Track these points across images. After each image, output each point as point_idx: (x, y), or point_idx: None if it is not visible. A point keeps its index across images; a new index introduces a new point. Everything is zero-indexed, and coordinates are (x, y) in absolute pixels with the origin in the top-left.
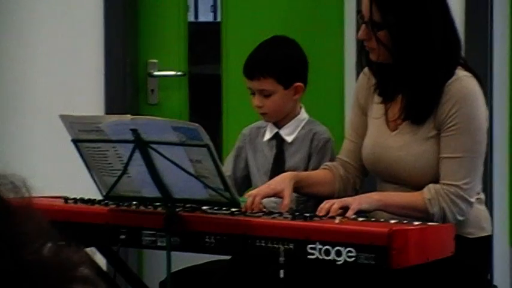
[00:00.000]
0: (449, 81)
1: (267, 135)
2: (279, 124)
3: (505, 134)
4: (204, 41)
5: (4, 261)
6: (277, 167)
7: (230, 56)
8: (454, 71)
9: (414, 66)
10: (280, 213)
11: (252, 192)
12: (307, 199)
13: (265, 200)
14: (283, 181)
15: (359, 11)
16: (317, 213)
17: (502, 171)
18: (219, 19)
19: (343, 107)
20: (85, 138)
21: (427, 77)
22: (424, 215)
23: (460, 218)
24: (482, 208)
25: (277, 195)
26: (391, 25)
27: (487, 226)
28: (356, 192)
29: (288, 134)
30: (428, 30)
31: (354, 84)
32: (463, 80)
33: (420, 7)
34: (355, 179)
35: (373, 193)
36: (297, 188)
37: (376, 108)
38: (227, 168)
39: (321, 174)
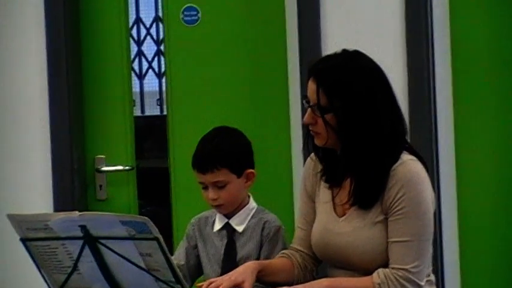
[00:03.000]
0: (395, 165)
1: (217, 226)
2: (228, 214)
3: (453, 216)
4: (151, 134)
5: None
6: (229, 257)
7: (177, 148)
8: (400, 155)
9: (361, 150)
10: None
11: (212, 283)
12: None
13: None
14: (244, 272)
15: (305, 96)
16: None
17: (452, 255)
18: (165, 112)
19: (291, 194)
20: (33, 237)
21: (373, 162)
22: None
23: None
24: None
25: (238, 286)
26: (337, 109)
27: None
28: (313, 278)
29: (238, 224)
30: (375, 114)
31: (302, 169)
32: (408, 164)
33: (367, 92)
34: (311, 265)
35: (322, 279)
36: (259, 276)
37: (324, 194)
38: (180, 257)
39: (280, 263)
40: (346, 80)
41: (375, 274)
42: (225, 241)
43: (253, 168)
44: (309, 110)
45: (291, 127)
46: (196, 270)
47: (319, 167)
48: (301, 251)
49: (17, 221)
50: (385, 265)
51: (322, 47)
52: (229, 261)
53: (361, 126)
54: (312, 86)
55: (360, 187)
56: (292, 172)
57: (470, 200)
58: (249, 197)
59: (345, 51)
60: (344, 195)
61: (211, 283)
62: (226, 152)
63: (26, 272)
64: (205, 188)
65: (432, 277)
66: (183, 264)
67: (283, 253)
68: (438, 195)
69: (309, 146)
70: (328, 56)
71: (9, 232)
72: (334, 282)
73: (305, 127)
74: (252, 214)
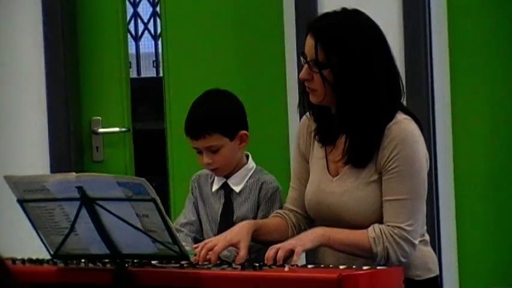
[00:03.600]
0: (390, 124)
1: (215, 186)
2: (226, 174)
3: (449, 175)
4: (147, 96)
5: None
6: (226, 217)
7: (173, 110)
8: (395, 115)
9: (356, 107)
10: (230, 264)
11: (207, 244)
12: (260, 248)
13: None
14: (240, 232)
15: (302, 52)
16: (265, 261)
17: (448, 211)
18: (161, 74)
19: (288, 154)
20: (30, 198)
21: (368, 120)
22: (367, 253)
23: (402, 259)
24: (427, 249)
25: (234, 246)
26: (334, 64)
27: (433, 267)
28: None
29: (236, 184)
30: (371, 71)
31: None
32: (403, 123)
33: (363, 49)
34: (305, 225)
35: (317, 228)
36: (254, 236)
37: (317, 152)
38: (190, 213)
39: (275, 222)
40: (344, 37)
41: (370, 228)
42: (222, 201)
43: (246, 129)
44: (305, 66)
45: (287, 87)
46: None
47: (314, 125)
48: (295, 211)
49: (14, 182)
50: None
51: (318, 6)
52: (226, 221)
53: (358, 83)
54: (310, 41)
55: (354, 145)
56: (288, 132)
57: (466, 160)
58: (247, 157)
59: (344, 9)
60: (338, 153)
61: (206, 244)
62: (217, 117)
63: (24, 233)
64: (200, 152)
65: (427, 237)
66: (195, 219)
67: (277, 213)
68: (435, 155)
69: (304, 104)
70: (328, 14)
71: (7, 193)
72: (329, 231)
73: (301, 85)
74: (250, 174)
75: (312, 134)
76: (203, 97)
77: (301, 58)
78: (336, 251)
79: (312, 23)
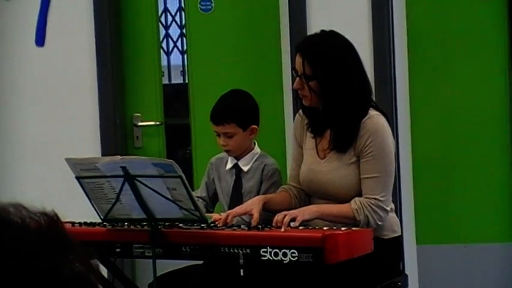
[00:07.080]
0: (364, 119)
1: (229, 165)
2: (237, 156)
3: (408, 157)
4: (176, 98)
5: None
6: (236, 190)
7: (196, 108)
8: (368, 111)
9: (338, 107)
10: (239, 226)
11: (228, 212)
12: (266, 218)
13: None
14: (253, 203)
15: (293, 68)
16: (273, 224)
17: (407, 187)
18: (187, 81)
19: (284, 142)
20: (86, 175)
21: (347, 116)
22: (352, 221)
23: (379, 223)
24: (393, 215)
25: (248, 213)
26: (319, 76)
27: (397, 229)
28: (306, 205)
29: (245, 165)
30: (347, 79)
31: (292, 124)
32: (375, 118)
33: (341, 63)
34: (304, 197)
35: (311, 205)
36: (265, 207)
37: (309, 142)
38: (202, 190)
39: (281, 196)
40: (325, 53)
41: (352, 201)
42: (233, 177)
43: (257, 124)
44: (297, 78)
45: (283, 93)
46: (215, 198)
47: (306, 121)
48: (296, 187)
49: (73, 163)
50: (357, 196)
51: (307, 27)
52: (236, 193)
53: (338, 89)
54: (298, 59)
55: (337, 136)
56: (284, 125)
57: (421, 145)
58: (254, 144)
59: (323, 31)
60: (325, 142)
61: (227, 215)
62: (235, 110)
63: (80, 202)
64: (218, 135)
65: (393, 206)
66: (205, 195)
67: (283, 187)
68: (396, 141)
69: (298, 106)
70: (310, 36)
71: (68, 172)
72: (321, 207)
73: (295, 91)
74: (255, 158)
75: (305, 128)
76: (228, 94)
77: (293, 72)
78: (327, 221)
79: (299, 44)
